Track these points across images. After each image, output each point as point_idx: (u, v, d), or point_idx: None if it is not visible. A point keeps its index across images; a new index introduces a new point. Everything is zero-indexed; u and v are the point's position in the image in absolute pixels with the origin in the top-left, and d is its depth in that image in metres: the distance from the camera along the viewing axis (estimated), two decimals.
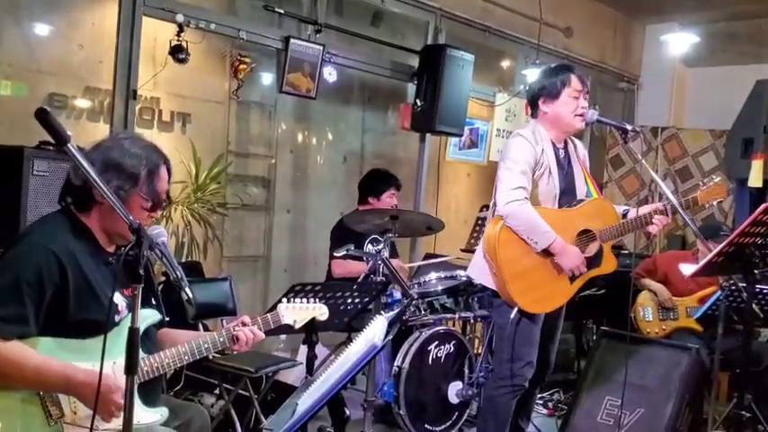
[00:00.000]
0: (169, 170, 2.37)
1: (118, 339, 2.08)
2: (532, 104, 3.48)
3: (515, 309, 3.31)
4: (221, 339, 2.34)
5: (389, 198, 4.64)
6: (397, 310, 3.78)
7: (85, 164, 1.83)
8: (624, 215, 3.49)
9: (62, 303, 2.11)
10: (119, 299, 2.22)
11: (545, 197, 3.36)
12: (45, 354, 2.06)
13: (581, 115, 3.40)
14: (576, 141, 3.60)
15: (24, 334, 2.04)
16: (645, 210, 3.39)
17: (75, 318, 2.12)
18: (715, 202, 3.45)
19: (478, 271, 3.45)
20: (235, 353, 2.46)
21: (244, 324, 2.41)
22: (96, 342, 2.12)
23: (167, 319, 2.39)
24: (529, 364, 3.38)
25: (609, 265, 3.50)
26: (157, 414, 2.27)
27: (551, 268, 3.32)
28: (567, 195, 3.43)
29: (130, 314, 2.19)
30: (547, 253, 3.28)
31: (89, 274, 2.16)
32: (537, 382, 3.62)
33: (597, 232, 3.38)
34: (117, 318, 2.20)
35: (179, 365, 2.29)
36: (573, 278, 3.37)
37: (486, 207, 3.54)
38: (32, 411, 2.05)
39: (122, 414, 2.03)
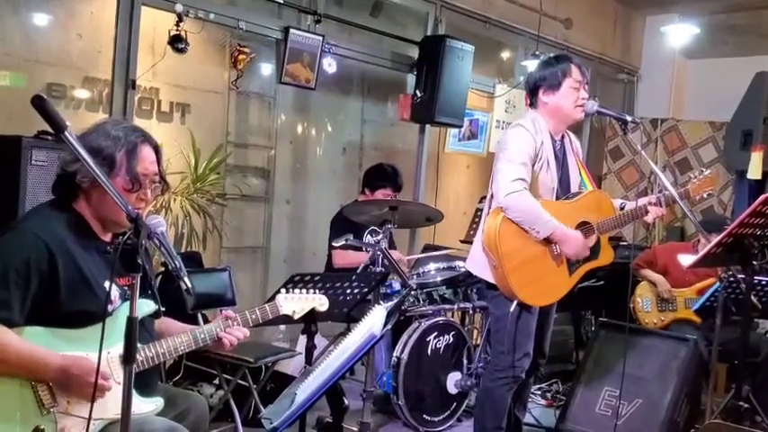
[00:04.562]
0: (157, 149, 2.34)
1: (111, 329, 2.08)
2: (532, 95, 3.46)
3: (515, 302, 3.30)
4: (202, 336, 2.33)
5: (382, 196, 4.63)
6: (395, 300, 3.79)
7: (83, 152, 1.83)
8: (621, 208, 3.49)
9: (52, 293, 2.10)
10: (112, 288, 2.21)
11: (544, 190, 3.35)
12: (37, 343, 2.06)
13: (581, 106, 3.39)
14: (570, 134, 3.60)
15: (7, 319, 2.04)
16: (640, 202, 3.41)
17: (69, 308, 2.12)
18: (705, 194, 3.45)
19: (477, 265, 3.43)
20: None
21: (227, 318, 2.40)
22: (88, 332, 2.12)
23: (163, 309, 2.38)
24: (526, 355, 3.38)
25: (606, 256, 3.50)
26: (153, 404, 2.27)
27: (551, 260, 3.31)
28: (562, 188, 3.43)
29: (123, 304, 2.22)
30: (547, 244, 3.28)
31: (82, 263, 2.16)
32: (532, 372, 3.62)
33: (595, 224, 3.38)
34: (110, 307, 2.18)
35: (175, 356, 2.30)
36: (572, 270, 3.37)
37: (485, 198, 3.53)
38: (27, 399, 2.05)
39: (104, 396, 2.08)
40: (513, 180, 3.19)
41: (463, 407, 4.34)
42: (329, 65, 5.18)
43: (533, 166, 3.29)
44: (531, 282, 3.27)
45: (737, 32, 7.54)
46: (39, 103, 1.71)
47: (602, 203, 3.47)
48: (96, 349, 1.92)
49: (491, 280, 3.34)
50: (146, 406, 2.25)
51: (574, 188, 3.48)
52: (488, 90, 6.52)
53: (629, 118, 3.44)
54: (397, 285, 4.17)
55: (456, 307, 4.48)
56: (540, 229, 3.21)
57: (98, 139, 2.23)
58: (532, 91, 3.45)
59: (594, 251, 3.42)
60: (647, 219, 3.40)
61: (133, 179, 2.23)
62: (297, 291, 2.61)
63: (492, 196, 3.37)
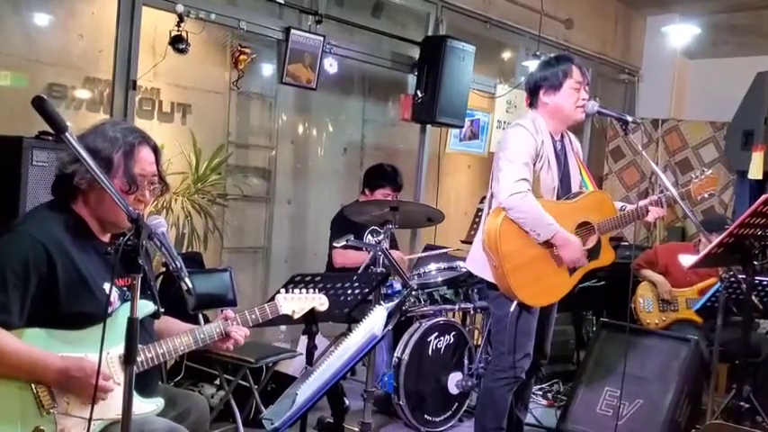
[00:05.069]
0: (156, 150, 2.33)
1: (110, 330, 2.06)
2: (532, 95, 3.46)
3: (515, 302, 3.30)
4: (201, 336, 2.33)
5: (382, 196, 4.63)
6: (396, 301, 3.78)
7: (84, 153, 1.83)
8: (621, 210, 3.49)
9: (51, 294, 2.10)
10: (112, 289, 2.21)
11: (545, 189, 3.35)
12: (36, 345, 2.06)
13: (581, 107, 3.38)
14: (570, 134, 3.59)
15: (6, 322, 2.04)
16: (641, 203, 3.41)
17: (68, 309, 2.11)
18: (707, 194, 3.45)
19: (477, 265, 3.43)
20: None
21: (227, 318, 2.41)
22: (87, 333, 2.12)
23: (162, 310, 2.38)
24: (527, 355, 3.38)
25: (607, 257, 3.49)
26: (153, 404, 2.27)
27: (551, 260, 3.31)
28: (563, 187, 3.42)
29: (122, 305, 2.22)
30: (547, 245, 3.27)
31: (81, 265, 2.15)
32: (533, 373, 3.62)
33: (596, 224, 3.37)
34: (109, 308, 2.17)
35: (175, 357, 2.29)
36: (572, 270, 3.37)
37: (485, 198, 3.53)
38: (27, 400, 2.05)
39: (105, 398, 2.08)
40: (517, 180, 3.18)
41: (464, 407, 4.33)
42: (330, 65, 5.19)
43: (534, 165, 3.29)
44: (532, 282, 3.27)
45: (738, 32, 7.54)
46: (39, 104, 1.71)
47: (604, 204, 3.47)
48: (95, 350, 1.91)
49: (491, 280, 3.34)
50: (146, 406, 2.24)
51: (575, 188, 3.48)
52: (489, 90, 6.52)
53: (629, 118, 3.43)
54: (398, 286, 4.16)
55: (457, 307, 4.48)
56: (542, 231, 3.21)
57: (96, 141, 2.22)
58: (533, 91, 3.45)
59: (595, 251, 3.42)
60: (648, 219, 3.40)
61: (130, 180, 2.22)
62: (296, 291, 2.61)
63: (492, 196, 3.37)
